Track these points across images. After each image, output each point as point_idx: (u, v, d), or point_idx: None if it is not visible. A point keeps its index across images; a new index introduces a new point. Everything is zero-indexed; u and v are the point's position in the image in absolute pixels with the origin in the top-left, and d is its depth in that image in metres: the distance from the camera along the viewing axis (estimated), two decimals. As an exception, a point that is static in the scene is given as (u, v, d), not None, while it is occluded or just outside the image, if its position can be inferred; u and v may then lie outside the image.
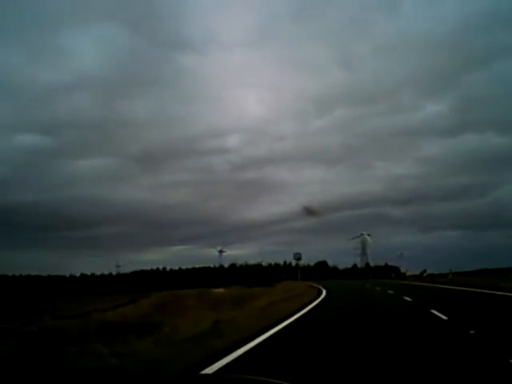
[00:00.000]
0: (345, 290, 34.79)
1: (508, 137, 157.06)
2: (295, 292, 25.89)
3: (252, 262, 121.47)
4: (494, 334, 8.56)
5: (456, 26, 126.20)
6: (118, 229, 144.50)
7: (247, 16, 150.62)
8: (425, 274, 63.01)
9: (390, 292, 27.79)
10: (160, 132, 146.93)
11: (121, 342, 6.98)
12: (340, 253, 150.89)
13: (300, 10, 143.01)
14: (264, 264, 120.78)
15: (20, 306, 31.52)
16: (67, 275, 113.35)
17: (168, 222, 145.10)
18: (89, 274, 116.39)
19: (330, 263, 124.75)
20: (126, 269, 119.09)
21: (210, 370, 5.95)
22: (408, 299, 20.11)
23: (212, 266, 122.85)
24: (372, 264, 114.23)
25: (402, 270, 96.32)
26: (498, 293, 21.91)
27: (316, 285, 45.35)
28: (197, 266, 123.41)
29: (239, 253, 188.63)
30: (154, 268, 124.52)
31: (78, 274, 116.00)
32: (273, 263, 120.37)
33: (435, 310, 13.54)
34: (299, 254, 58.61)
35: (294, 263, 63.92)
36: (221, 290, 50.56)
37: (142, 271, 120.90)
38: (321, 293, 28.87)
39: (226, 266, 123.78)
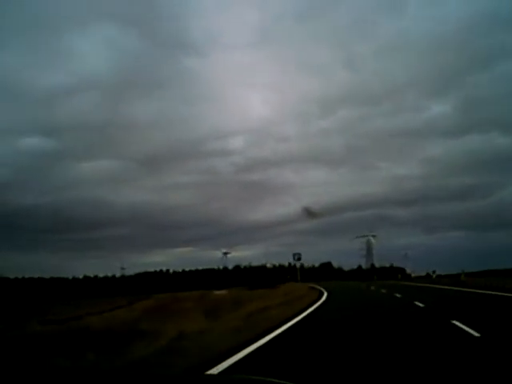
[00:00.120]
0: (347, 293, 32.84)
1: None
2: (293, 295, 24.57)
3: (256, 263, 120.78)
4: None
5: (460, 26, 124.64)
6: (122, 231, 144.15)
7: (250, 16, 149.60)
8: (434, 276, 59.20)
9: (398, 295, 25.31)
10: (163, 134, 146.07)
11: (79, 356, 6.13)
12: (345, 254, 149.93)
13: (303, 10, 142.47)
14: (268, 265, 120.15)
15: (14, 310, 30.81)
16: (70, 277, 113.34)
17: (172, 224, 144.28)
18: (92, 276, 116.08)
19: (335, 264, 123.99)
20: (131, 271, 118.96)
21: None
22: (419, 305, 17.42)
23: (216, 267, 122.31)
24: (377, 265, 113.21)
25: (408, 271, 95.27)
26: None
27: (318, 287, 44.24)
28: (200, 268, 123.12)
29: (244, 254, 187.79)
30: (158, 270, 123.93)
31: (81, 277, 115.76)
32: (277, 264, 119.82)
33: (458, 320, 10.91)
34: (299, 254, 54.98)
35: (296, 264, 60.45)
36: (223, 291, 49.86)
37: (146, 273, 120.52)
38: (321, 296, 26.95)
39: (230, 267, 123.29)
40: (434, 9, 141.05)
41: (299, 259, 57.15)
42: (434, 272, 61.68)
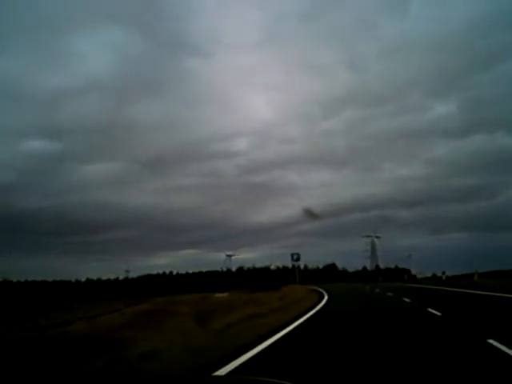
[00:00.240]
0: (350, 297, 30.37)
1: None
2: (291, 299, 23.29)
3: (261, 265, 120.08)
4: None
5: (463, 26, 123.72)
6: (127, 233, 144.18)
7: (253, 16, 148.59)
8: (444, 277, 53.86)
9: (406, 300, 21.96)
10: (167, 136, 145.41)
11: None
12: (349, 255, 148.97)
13: (307, 11, 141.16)
14: (272, 267, 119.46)
15: (12, 314, 30.26)
16: (73, 280, 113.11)
17: (176, 226, 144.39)
18: (95, 279, 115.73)
19: (339, 266, 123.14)
20: (136, 274, 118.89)
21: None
22: (435, 313, 14.43)
23: (220, 269, 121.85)
24: (382, 266, 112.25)
25: (413, 272, 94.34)
26: None
27: (320, 289, 43.21)
28: (204, 270, 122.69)
29: (248, 256, 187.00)
30: (161, 272, 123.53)
31: (83, 280, 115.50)
32: (281, 266, 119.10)
33: (496, 339, 8.00)
34: (297, 254, 50.91)
35: (298, 265, 56.94)
36: (224, 294, 49.18)
37: (149, 276, 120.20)
38: (321, 300, 24.78)
39: (233, 269, 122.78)
40: (436, 9, 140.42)
41: (298, 259, 50.84)
42: (443, 273, 56.19)
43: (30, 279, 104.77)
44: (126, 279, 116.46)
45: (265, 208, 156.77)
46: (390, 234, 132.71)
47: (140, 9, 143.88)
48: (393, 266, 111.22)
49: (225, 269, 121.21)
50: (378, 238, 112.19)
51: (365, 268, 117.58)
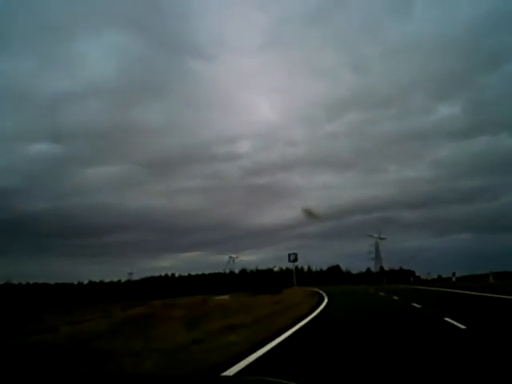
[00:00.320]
0: (352, 301, 27.69)
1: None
2: (286, 303, 21.70)
3: (264, 267, 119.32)
4: None
5: (467, 27, 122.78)
6: (130, 236, 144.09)
7: (257, 19, 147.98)
8: (454, 278, 49.76)
9: (416, 306, 18.63)
10: (171, 138, 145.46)
11: None
12: (353, 257, 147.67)
13: (310, 14, 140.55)
14: (276, 269, 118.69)
15: (6, 318, 29.67)
16: (75, 283, 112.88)
17: (180, 229, 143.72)
18: (97, 281, 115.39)
19: (343, 268, 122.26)
20: (139, 276, 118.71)
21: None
22: (456, 324, 11.16)
23: (222, 271, 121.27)
24: (386, 268, 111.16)
25: (418, 273, 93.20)
26: None
27: (321, 291, 42.27)
28: (207, 272, 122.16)
29: (252, 258, 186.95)
30: (163, 275, 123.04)
31: (85, 282, 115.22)
32: (284, 268, 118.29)
33: None
34: (295, 254, 46.69)
35: (296, 266, 52.38)
36: (224, 297, 48.52)
37: (152, 278, 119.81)
38: (319, 305, 22.18)
39: (236, 271, 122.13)
40: (440, 11, 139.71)
41: (295, 260, 46.04)
42: (453, 274, 51.24)
43: (32, 282, 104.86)
44: (128, 282, 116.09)
45: (268, 210, 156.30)
46: (394, 235, 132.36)
47: (143, 11, 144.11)
48: (397, 268, 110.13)
49: (228, 271, 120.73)
50: (382, 239, 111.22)
51: (369, 270, 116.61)
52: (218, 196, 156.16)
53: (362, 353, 7.96)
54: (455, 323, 11.46)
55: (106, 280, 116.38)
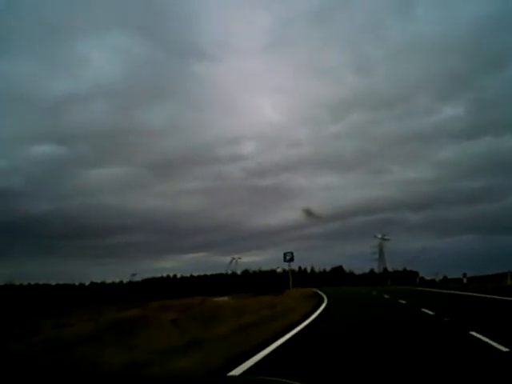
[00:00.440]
0: (353, 305, 24.47)
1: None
2: (282, 307, 19.88)
3: (267, 268, 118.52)
4: None
5: (470, 27, 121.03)
6: (134, 237, 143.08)
7: (260, 20, 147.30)
8: (465, 280, 43.82)
9: (428, 312, 15.51)
10: (174, 140, 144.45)
11: None
12: (356, 258, 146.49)
13: (314, 14, 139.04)
14: (278, 270, 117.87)
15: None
16: (77, 284, 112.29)
17: (183, 230, 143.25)
18: (99, 282, 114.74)
19: (346, 268, 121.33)
20: (142, 277, 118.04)
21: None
22: (496, 346, 7.73)
23: (224, 272, 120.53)
24: (390, 269, 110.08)
25: (425, 275, 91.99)
26: None
27: (321, 292, 40.96)
28: (209, 273, 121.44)
29: (255, 259, 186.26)
30: (165, 276, 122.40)
31: (87, 283, 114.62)
32: (287, 269, 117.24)
33: None
34: (291, 253, 42.61)
35: (292, 269, 48.00)
36: (224, 298, 47.70)
37: (154, 279, 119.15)
38: (315, 310, 19.38)
39: (239, 272, 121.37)
40: (443, 11, 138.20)
41: (291, 260, 42.22)
42: (464, 275, 46.08)
43: (34, 283, 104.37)
44: (130, 282, 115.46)
45: (272, 211, 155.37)
46: (397, 236, 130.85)
47: (145, 13, 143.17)
48: (401, 269, 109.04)
49: (230, 272, 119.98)
50: (385, 240, 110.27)
51: (372, 271, 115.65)
52: (221, 197, 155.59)
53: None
54: (490, 342, 8.02)
55: (108, 281, 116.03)
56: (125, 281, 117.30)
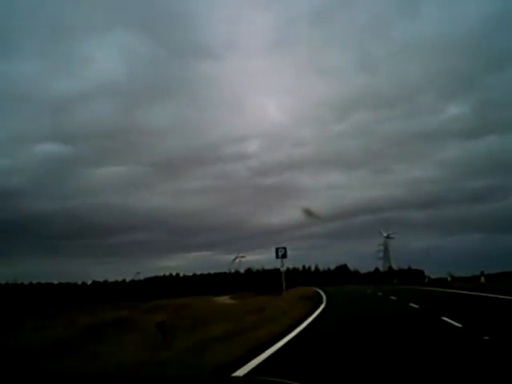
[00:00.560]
0: (354, 309, 20.50)
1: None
2: (271, 311, 16.79)
3: (271, 267, 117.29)
4: None
5: (476, 27, 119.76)
6: (138, 236, 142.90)
7: (265, 20, 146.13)
8: (482, 279, 39.17)
9: (451, 322, 11.84)
10: (179, 139, 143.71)
11: None
12: (361, 257, 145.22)
13: (317, 14, 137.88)
14: (282, 269, 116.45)
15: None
16: (79, 283, 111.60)
17: (188, 229, 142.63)
18: (101, 281, 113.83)
19: (351, 267, 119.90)
20: (146, 275, 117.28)
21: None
22: None
23: (228, 271, 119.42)
24: (395, 267, 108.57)
25: (429, 273, 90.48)
26: None
27: (322, 293, 38.91)
28: (212, 272, 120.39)
29: (259, 258, 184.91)
30: (168, 274, 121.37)
31: (89, 282, 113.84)
32: (291, 268, 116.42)
33: None
34: (284, 248, 32.04)
35: (285, 268, 42.57)
36: (224, 297, 46.63)
37: (156, 278, 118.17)
38: (308, 315, 16.10)
39: (242, 271, 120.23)
40: (448, 10, 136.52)
41: (284, 256, 33.39)
42: (482, 274, 40.52)
43: (39, 282, 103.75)
44: (133, 281, 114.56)
45: (276, 210, 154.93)
46: (402, 235, 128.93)
47: (150, 12, 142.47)
48: (405, 267, 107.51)
49: (233, 270, 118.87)
50: (390, 238, 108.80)
51: (377, 269, 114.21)
52: (225, 196, 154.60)
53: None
54: None
55: (111, 280, 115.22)
56: (128, 280, 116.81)
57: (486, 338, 8.78)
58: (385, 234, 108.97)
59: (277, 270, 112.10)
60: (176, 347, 8.50)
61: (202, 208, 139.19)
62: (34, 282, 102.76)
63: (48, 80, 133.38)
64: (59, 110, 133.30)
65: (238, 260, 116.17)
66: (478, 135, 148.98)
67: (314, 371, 6.64)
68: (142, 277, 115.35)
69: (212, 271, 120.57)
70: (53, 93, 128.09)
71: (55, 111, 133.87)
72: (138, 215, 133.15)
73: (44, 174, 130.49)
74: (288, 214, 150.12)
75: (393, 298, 27.22)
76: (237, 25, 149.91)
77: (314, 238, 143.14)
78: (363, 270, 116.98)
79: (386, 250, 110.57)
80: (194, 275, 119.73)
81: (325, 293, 39.04)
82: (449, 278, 54.95)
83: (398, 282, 78.55)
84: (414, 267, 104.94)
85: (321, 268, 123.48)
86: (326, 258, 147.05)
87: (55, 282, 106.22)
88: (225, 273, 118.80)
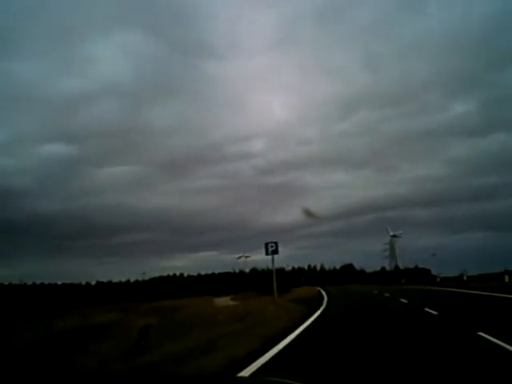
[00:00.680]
0: (356, 316, 16.14)
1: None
2: (247, 323, 12.65)
3: (276, 266, 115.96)
4: None
5: (482, 25, 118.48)
6: (144, 236, 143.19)
7: (269, 19, 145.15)
8: (507, 278, 34.97)
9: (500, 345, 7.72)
10: (184, 139, 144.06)
11: None
12: (367, 256, 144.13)
13: (322, 12, 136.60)
14: (288, 269, 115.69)
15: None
16: (83, 283, 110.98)
17: (192, 229, 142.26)
18: (105, 281, 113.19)
19: (357, 266, 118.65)
20: (150, 276, 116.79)
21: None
22: None
23: (232, 271, 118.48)
24: (401, 266, 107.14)
25: (433, 272, 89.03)
26: None
27: (323, 293, 37.17)
28: (217, 272, 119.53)
29: (264, 258, 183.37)
30: (171, 274, 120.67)
31: (93, 282, 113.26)
32: (296, 267, 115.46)
33: None
34: (274, 243, 26.60)
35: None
36: (226, 298, 45.59)
37: (161, 278, 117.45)
38: (300, 323, 13.27)
39: (247, 270, 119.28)
40: (454, 8, 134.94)
41: (275, 252, 27.92)
42: (506, 272, 35.87)
43: (43, 282, 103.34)
44: (137, 282, 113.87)
45: (281, 209, 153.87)
46: (408, 234, 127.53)
47: (154, 12, 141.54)
48: (412, 266, 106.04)
49: (237, 270, 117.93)
50: (397, 237, 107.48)
51: (383, 268, 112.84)
52: (230, 196, 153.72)
53: None
54: None
55: (116, 280, 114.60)
56: (132, 280, 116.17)
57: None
58: (391, 233, 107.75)
59: (282, 270, 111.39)
60: (148, 359, 7.42)
61: (206, 207, 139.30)
62: (38, 282, 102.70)
63: (54, 80, 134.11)
64: (65, 110, 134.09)
65: (243, 260, 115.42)
66: (483, 133, 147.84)
67: None
68: (146, 277, 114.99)
69: (217, 271, 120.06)
70: (58, 93, 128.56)
71: (61, 111, 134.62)
72: (143, 215, 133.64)
73: (48, 174, 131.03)
74: (293, 213, 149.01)
75: (403, 301, 23.13)
76: (240, 24, 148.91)
77: (319, 236, 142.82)
78: (369, 270, 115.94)
79: (392, 249, 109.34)
80: (199, 275, 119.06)
81: (327, 294, 37.58)
82: (464, 277, 50.99)
83: (406, 281, 76.90)
84: (420, 266, 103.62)
85: (326, 267, 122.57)
86: (331, 257, 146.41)
87: (59, 282, 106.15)
88: (229, 272, 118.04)
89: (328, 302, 25.68)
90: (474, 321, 11.49)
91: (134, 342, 9.37)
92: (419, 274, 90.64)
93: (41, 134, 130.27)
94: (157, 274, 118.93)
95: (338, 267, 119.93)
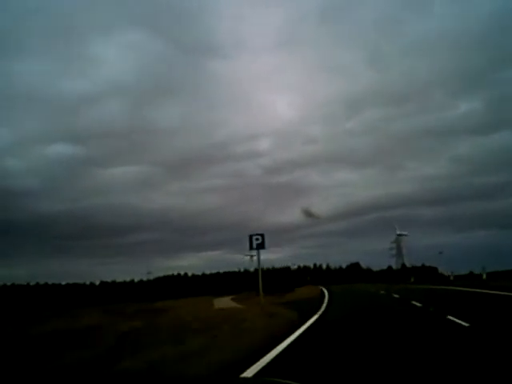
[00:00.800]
0: (360, 326, 12.31)
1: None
2: (221, 337, 10.01)
3: (282, 265, 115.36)
4: None
5: (488, 22, 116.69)
6: (150, 236, 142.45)
7: (274, 18, 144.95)
8: None
9: None
10: (190, 138, 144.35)
11: None
12: (374, 254, 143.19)
13: (327, 11, 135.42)
14: (293, 267, 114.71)
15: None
16: (87, 283, 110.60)
17: (198, 228, 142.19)
18: (109, 281, 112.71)
19: (364, 265, 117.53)
20: (155, 275, 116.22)
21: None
22: None
23: (237, 270, 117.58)
24: (408, 265, 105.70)
25: (440, 270, 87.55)
26: None
27: (326, 294, 35.69)
28: (221, 271, 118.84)
29: (270, 257, 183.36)
30: (176, 274, 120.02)
31: (97, 282, 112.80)
32: (302, 266, 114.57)
33: None
34: (260, 236, 22.97)
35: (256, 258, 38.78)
36: (227, 298, 44.53)
37: (165, 277, 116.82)
38: (276, 344, 9.07)
39: (252, 270, 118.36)
40: (460, 6, 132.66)
41: (261, 246, 22.77)
42: None
43: (46, 283, 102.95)
44: (141, 281, 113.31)
45: (287, 208, 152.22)
46: (414, 232, 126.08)
47: (158, 11, 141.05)
48: (419, 265, 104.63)
49: (242, 269, 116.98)
50: (404, 236, 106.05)
51: (390, 267, 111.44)
52: (236, 195, 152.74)
53: None
54: None
55: (119, 280, 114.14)
56: (136, 279, 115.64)
57: None
58: (398, 232, 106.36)
59: (287, 269, 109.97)
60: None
61: (212, 207, 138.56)
62: (42, 282, 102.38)
63: (59, 81, 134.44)
64: (70, 111, 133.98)
65: (249, 258, 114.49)
66: (489, 131, 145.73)
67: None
68: (151, 276, 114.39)
69: (222, 270, 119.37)
70: (64, 93, 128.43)
71: (66, 111, 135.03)
72: (148, 215, 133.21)
73: (53, 175, 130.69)
74: (298, 212, 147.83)
75: (416, 303, 19.15)
76: (245, 23, 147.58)
77: (324, 235, 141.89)
78: (376, 268, 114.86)
79: (398, 248, 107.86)
80: (204, 274, 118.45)
81: (329, 294, 35.93)
82: (484, 275, 45.84)
83: (414, 280, 74.46)
84: (427, 264, 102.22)
85: (332, 266, 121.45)
86: (337, 256, 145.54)
87: (63, 282, 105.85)
88: (234, 272, 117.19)
89: (326, 306, 22.62)
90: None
91: (114, 349, 8.30)
92: (426, 272, 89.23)
93: (46, 135, 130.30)
94: (162, 274, 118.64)
95: (344, 266, 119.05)
